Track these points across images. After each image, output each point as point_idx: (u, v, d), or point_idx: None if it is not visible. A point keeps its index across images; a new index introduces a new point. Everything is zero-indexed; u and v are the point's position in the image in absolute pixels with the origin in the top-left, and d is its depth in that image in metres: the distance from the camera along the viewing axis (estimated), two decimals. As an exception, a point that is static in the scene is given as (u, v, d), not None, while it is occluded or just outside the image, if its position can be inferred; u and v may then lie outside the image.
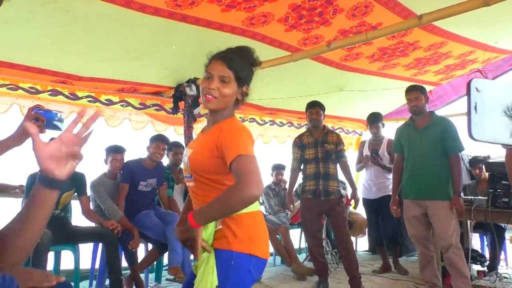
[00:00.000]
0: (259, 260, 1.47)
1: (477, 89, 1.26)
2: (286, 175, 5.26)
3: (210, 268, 1.41)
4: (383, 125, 4.56)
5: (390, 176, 4.21)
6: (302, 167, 3.86)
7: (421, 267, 3.35)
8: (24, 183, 3.47)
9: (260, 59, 1.60)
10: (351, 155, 6.46)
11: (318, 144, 3.71)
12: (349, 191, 5.98)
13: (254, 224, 1.49)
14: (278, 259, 4.81)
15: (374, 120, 4.48)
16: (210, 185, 1.47)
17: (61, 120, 1.64)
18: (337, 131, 6.14)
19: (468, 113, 1.28)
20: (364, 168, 4.64)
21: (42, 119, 1.57)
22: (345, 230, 3.69)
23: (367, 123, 4.62)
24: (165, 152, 3.89)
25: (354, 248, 5.51)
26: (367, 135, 6.59)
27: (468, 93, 1.29)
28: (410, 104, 3.32)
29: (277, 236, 4.58)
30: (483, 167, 4.46)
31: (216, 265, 1.41)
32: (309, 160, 3.74)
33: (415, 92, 3.29)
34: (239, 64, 1.51)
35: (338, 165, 3.81)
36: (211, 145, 1.45)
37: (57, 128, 1.63)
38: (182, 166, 1.65)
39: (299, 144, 3.83)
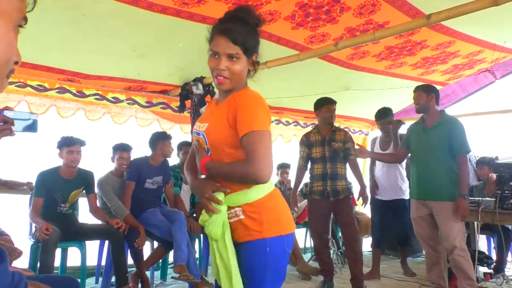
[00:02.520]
0: (289, 237, 1.44)
1: None
2: (291, 174, 5.25)
3: (233, 265, 1.37)
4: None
5: (405, 178, 4.13)
6: (309, 166, 3.78)
7: (428, 268, 3.33)
8: (32, 180, 3.51)
9: (264, 19, 1.48)
10: (357, 155, 6.46)
11: (326, 142, 3.62)
12: (356, 190, 6.01)
13: (276, 205, 1.44)
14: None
15: (379, 116, 4.16)
16: (227, 160, 1.41)
17: (33, 123, 1.57)
18: (343, 131, 6.17)
19: None
20: (375, 167, 4.34)
21: (10, 121, 1.50)
22: (354, 229, 3.59)
23: (375, 119, 4.33)
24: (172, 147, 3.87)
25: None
26: (373, 135, 6.57)
27: None
28: (414, 103, 3.37)
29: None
30: (491, 168, 4.41)
31: (250, 256, 1.39)
32: (316, 159, 3.65)
33: (416, 91, 3.34)
34: (245, 34, 1.38)
35: (347, 164, 3.70)
36: (226, 116, 1.39)
37: (30, 130, 1.56)
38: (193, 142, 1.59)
39: (306, 142, 3.74)
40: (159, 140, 3.74)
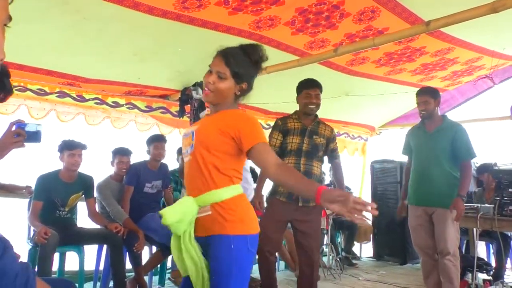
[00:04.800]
0: (253, 237, 1.59)
1: None
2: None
3: (196, 255, 1.52)
4: None
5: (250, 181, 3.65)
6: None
7: (425, 275, 3.27)
8: (31, 184, 3.50)
9: (266, 58, 1.66)
10: (357, 161, 6.46)
11: (306, 133, 2.95)
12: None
13: (240, 207, 1.58)
14: (282, 264, 4.79)
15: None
16: (204, 158, 1.56)
17: (38, 133, 1.65)
18: (343, 137, 6.15)
19: None
20: None
21: (23, 134, 1.58)
22: (316, 247, 3.00)
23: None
24: (165, 149, 3.84)
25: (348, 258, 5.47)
26: (373, 140, 6.58)
27: None
28: (419, 108, 3.20)
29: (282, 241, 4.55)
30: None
31: (216, 251, 1.53)
32: (288, 152, 2.93)
33: (423, 96, 3.16)
34: (238, 61, 1.58)
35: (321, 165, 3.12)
36: (217, 123, 1.57)
37: (35, 140, 1.64)
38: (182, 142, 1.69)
39: (282, 127, 2.99)
40: (149, 143, 3.74)
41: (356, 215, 1.28)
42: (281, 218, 2.95)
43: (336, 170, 3.22)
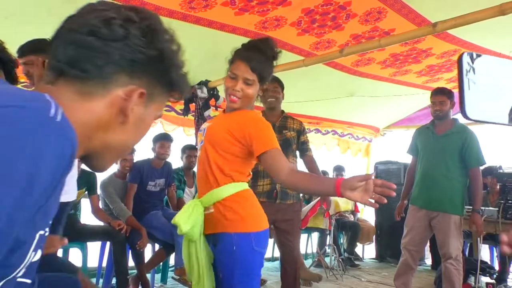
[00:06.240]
0: (258, 234, 1.55)
1: (468, 63, 1.18)
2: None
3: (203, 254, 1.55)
4: None
5: None
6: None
7: (397, 273, 3.22)
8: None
9: (280, 52, 1.66)
10: (360, 162, 6.45)
11: (275, 129, 2.84)
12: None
13: (241, 204, 1.57)
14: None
15: None
16: (210, 156, 1.58)
17: None
18: (347, 137, 6.14)
19: (461, 91, 1.19)
20: None
21: None
22: (297, 245, 3.01)
23: None
24: (170, 149, 3.85)
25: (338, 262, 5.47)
26: (377, 141, 6.56)
27: (460, 68, 1.19)
28: (433, 107, 3.10)
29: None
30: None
31: (219, 251, 1.54)
32: None
33: (441, 95, 3.08)
34: (263, 64, 1.58)
35: (298, 161, 3.12)
36: (229, 125, 1.57)
37: None
38: (197, 136, 1.79)
39: None
40: (155, 141, 3.75)
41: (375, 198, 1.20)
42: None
43: (311, 164, 3.06)
